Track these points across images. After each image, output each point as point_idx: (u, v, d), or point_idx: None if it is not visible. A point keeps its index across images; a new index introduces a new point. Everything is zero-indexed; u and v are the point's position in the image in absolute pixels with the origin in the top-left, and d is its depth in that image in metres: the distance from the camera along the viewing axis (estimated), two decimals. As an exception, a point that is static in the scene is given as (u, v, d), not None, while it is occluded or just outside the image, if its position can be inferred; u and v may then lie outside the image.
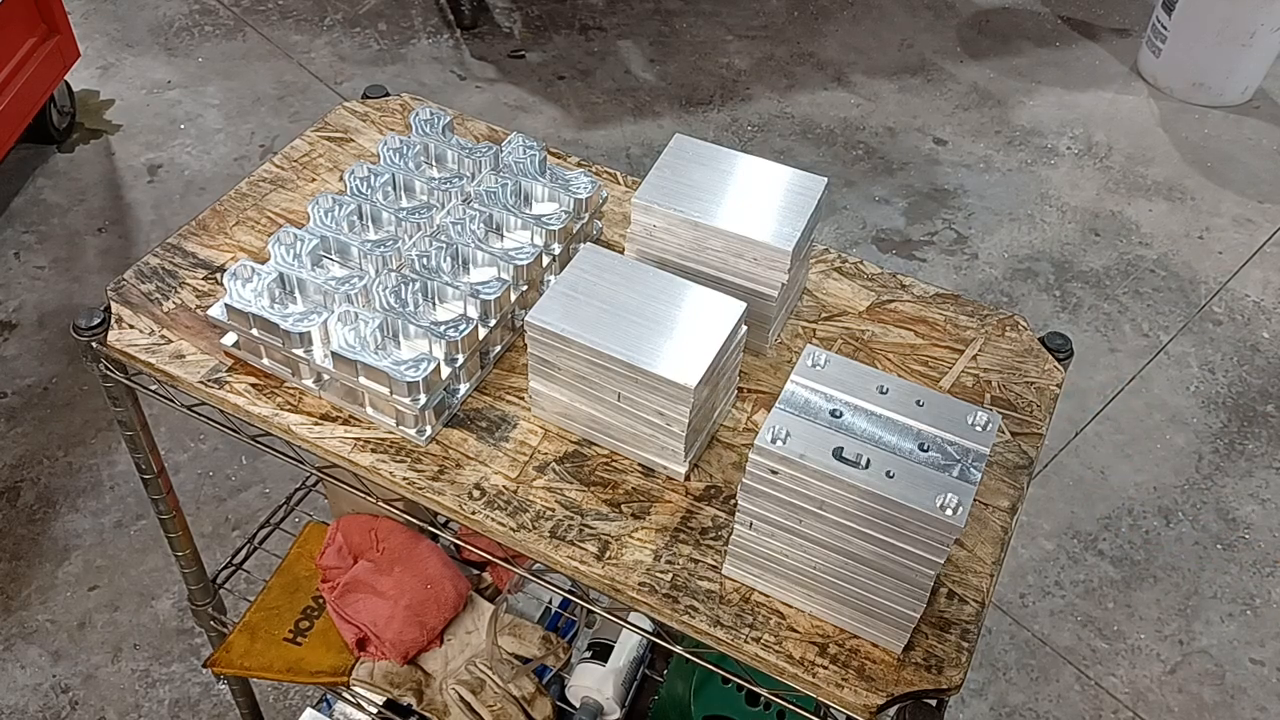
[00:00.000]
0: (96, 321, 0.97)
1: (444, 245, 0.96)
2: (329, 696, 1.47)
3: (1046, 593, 2.08)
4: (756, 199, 0.93)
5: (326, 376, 0.91)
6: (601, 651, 1.34)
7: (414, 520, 1.05)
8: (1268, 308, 2.66)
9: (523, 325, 0.90)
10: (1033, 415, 0.96)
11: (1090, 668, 1.98)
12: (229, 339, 0.94)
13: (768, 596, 0.82)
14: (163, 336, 0.97)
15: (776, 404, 0.73)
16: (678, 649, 0.87)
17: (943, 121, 3.14)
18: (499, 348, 0.97)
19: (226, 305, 0.91)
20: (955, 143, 3.07)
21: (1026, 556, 2.14)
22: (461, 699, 1.26)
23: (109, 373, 1.00)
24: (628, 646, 1.34)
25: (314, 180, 1.14)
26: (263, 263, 0.95)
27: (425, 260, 0.95)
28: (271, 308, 0.91)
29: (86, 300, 2.46)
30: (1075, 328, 2.56)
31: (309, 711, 1.45)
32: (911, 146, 3.05)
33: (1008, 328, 1.03)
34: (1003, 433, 0.94)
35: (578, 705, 1.32)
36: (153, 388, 1.00)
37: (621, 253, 0.97)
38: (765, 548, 0.79)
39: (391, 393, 0.87)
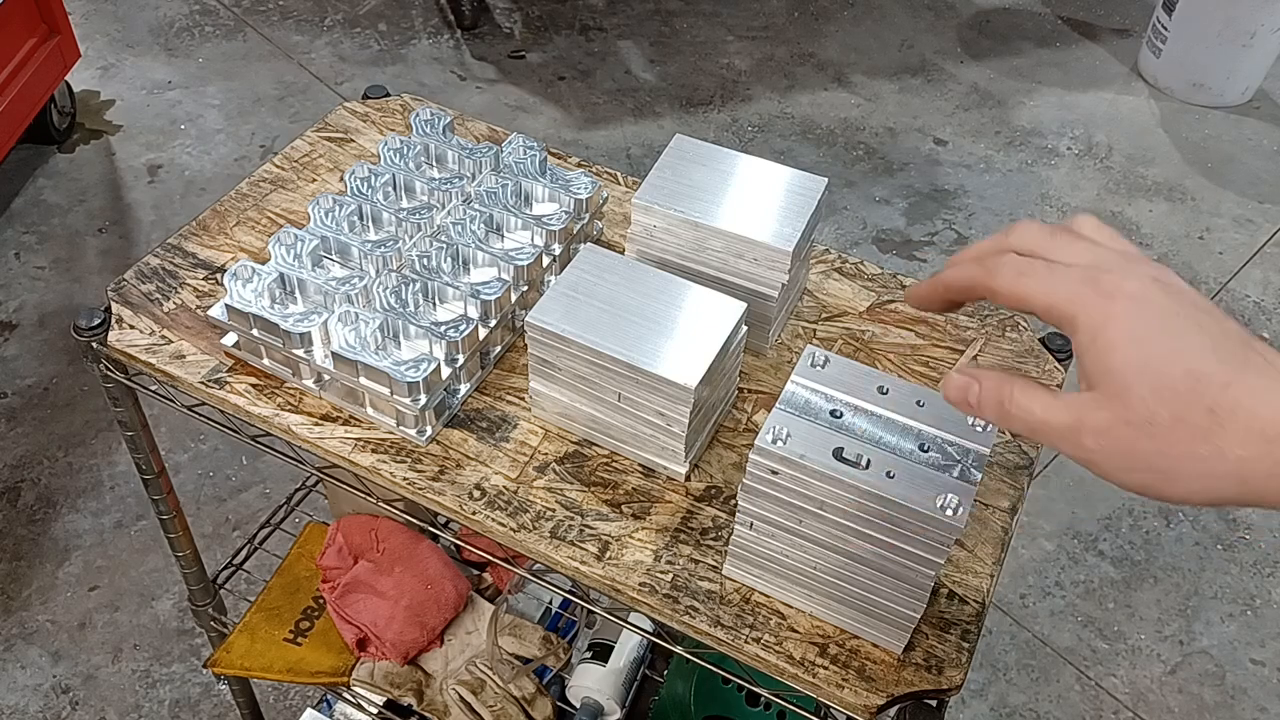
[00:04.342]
0: (96, 322, 0.97)
1: (444, 245, 0.96)
2: (329, 697, 1.47)
3: (1047, 593, 2.08)
4: (757, 199, 0.93)
5: (327, 377, 0.92)
6: (601, 652, 1.34)
7: (414, 520, 1.05)
8: (1268, 308, 2.66)
9: (523, 325, 0.90)
10: (1033, 415, 0.96)
11: (1090, 668, 1.98)
12: (229, 339, 0.94)
13: (768, 597, 0.82)
14: (163, 337, 0.97)
15: (776, 404, 0.73)
16: (678, 649, 0.87)
17: (943, 122, 3.14)
18: (499, 348, 0.97)
19: (227, 305, 0.91)
20: (955, 143, 3.07)
21: (1027, 557, 2.14)
22: (462, 699, 1.26)
23: (109, 373, 1.00)
24: (628, 647, 1.34)
25: (314, 180, 1.14)
26: (263, 263, 0.95)
27: (425, 260, 0.95)
28: (272, 308, 0.91)
29: (86, 300, 2.46)
30: (1075, 328, 2.56)
31: (309, 712, 1.45)
32: (912, 147, 3.05)
33: (1008, 328, 1.03)
34: (1003, 433, 0.94)
35: (578, 705, 1.32)
36: (153, 388, 1.00)
37: (622, 253, 0.97)
38: (765, 548, 0.79)
39: (392, 393, 0.87)
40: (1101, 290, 0.52)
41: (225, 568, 1.39)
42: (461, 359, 0.91)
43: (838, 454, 0.70)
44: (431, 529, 1.11)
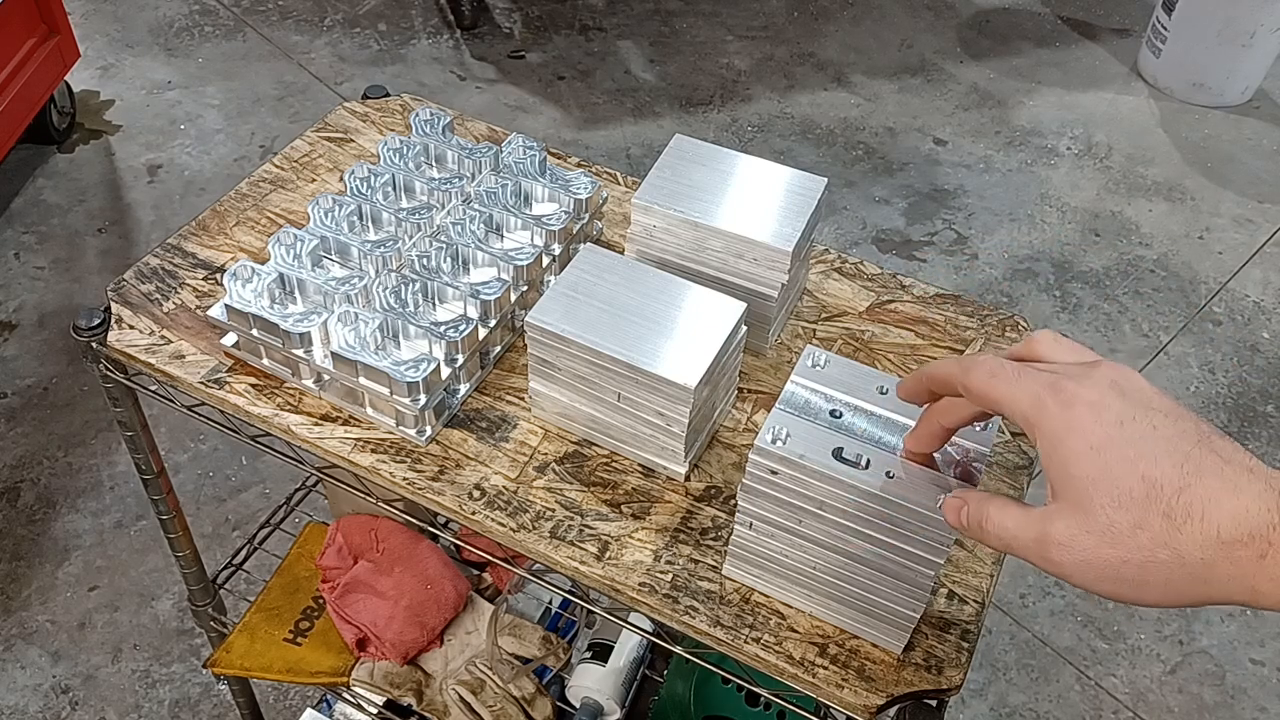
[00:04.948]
0: (96, 322, 0.97)
1: (444, 245, 0.96)
2: (329, 697, 1.47)
3: (1047, 593, 2.08)
4: (756, 199, 0.93)
5: (326, 377, 0.91)
6: (601, 652, 1.34)
7: (414, 520, 1.05)
8: (1268, 308, 2.66)
9: (523, 325, 0.90)
10: (1033, 415, 0.96)
11: (1090, 668, 1.98)
12: (229, 339, 0.94)
13: (768, 597, 0.82)
14: (163, 337, 0.97)
15: (776, 404, 0.73)
16: (678, 649, 0.87)
17: (943, 122, 3.14)
18: (499, 348, 0.97)
19: (226, 306, 0.91)
20: (955, 143, 3.07)
21: (1026, 557, 2.13)
22: (461, 699, 1.26)
23: (109, 373, 1.00)
24: (628, 647, 1.34)
25: (314, 180, 1.14)
26: (263, 263, 0.95)
27: (425, 260, 0.95)
28: (271, 308, 0.91)
29: (86, 300, 2.46)
30: (1075, 328, 2.56)
31: (309, 712, 1.45)
32: (911, 147, 3.05)
33: (1008, 328, 1.03)
34: (1003, 433, 0.94)
35: (578, 705, 1.32)
36: (153, 388, 1.00)
37: (621, 253, 0.97)
38: (765, 548, 0.78)
39: (391, 393, 0.87)
40: (1061, 398, 0.54)
41: (225, 568, 1.39)
42: (461, 359, 0.91)
43: (838, 454, 0.70)
44: (431, 529, 1.11)
